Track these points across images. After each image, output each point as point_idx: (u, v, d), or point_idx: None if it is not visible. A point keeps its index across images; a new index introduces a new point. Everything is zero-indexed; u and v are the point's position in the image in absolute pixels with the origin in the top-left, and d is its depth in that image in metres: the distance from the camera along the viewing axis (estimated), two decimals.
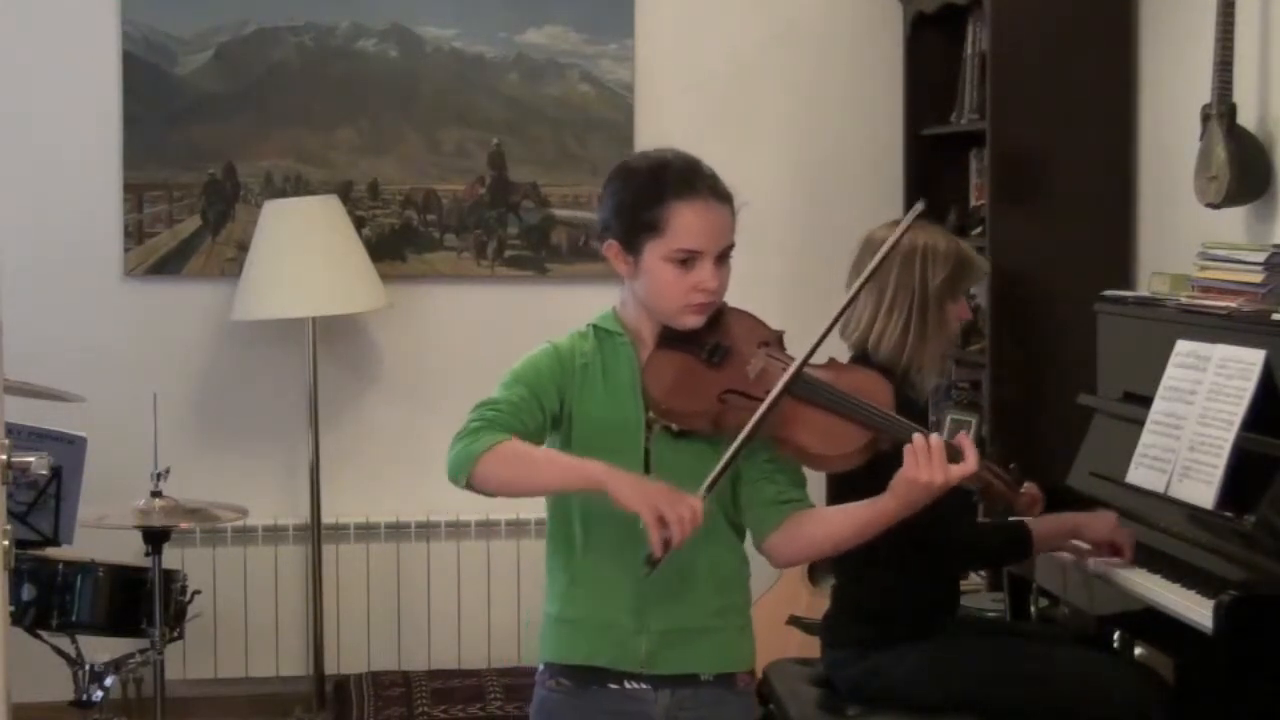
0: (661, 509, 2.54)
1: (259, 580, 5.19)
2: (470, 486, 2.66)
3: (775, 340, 2.79)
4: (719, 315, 2.78)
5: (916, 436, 2.66)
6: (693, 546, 2.66)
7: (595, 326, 2.83)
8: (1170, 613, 3.30)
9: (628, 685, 2.77)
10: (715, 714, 2.79)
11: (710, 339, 2.76)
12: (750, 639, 2.85)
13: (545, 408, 2.74)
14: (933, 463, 2.65)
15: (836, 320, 2.77)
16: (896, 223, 3.39)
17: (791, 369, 2.68)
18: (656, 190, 2.72)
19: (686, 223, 2.70)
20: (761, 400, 2.66)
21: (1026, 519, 3.50)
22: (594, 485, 2.59)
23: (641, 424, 2.74)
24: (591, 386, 2.76)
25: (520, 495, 2.71)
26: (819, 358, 2.76)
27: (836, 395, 2.71)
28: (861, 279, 2.87)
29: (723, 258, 2.74)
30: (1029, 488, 2.72)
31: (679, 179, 2.73)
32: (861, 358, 3.49)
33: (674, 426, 2.72)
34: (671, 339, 2.77)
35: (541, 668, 2.85)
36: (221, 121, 5.24)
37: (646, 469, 2.72)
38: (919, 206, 2.85)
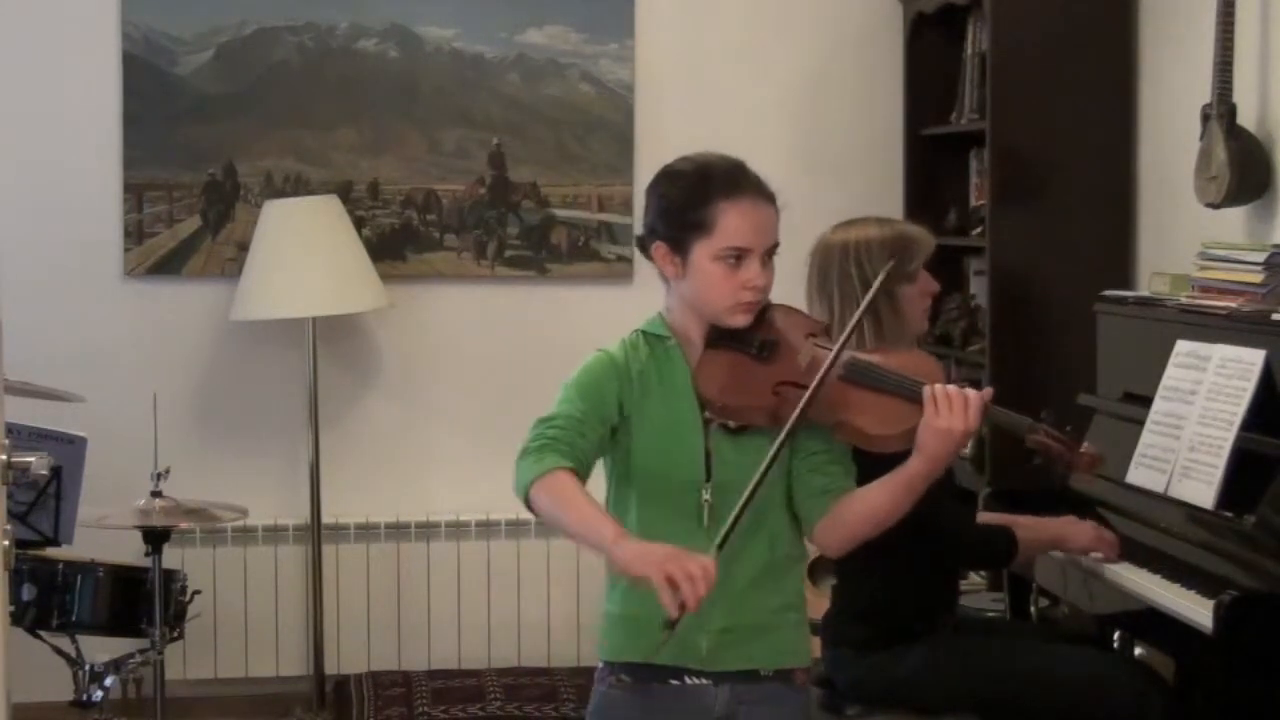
0: (670, 571, 2.52)
1: (259, 580, 5.19)
2: (529, 509, 2.72)
3: (821, 331, 2.85)
4: (764, 312, 2.82)
5: (932, 386, 2.71)
6: (760, 547, 2.77)
7: (644, 333, 2.85)
8: (1170, 613, 3.30)
9: (688, 681, 2.80)
10: (774, 710, 2.83)
11: (757, 336, 2.80)
12: (806, 634, 2.90)
13: (605, 420, 2.76)
14: (954, 408, 2.70)
15: (866, 306, 2.85)
16: (848, 224, 3.44)
17: (835, 348, 2.74)
18: (704, 191, 2.76)
19: (734, 222, 2.75)
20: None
21: (1014, 527, 3.50)
22: (600, 548, 2.62)
23: (699, 424, 2.77)
24: (649, 392, 2.78)
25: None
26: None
27: (886, 375, 2.78)
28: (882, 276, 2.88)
29: (768, 256, 2.79)
30: (1088, 448, 2.77)
31: (726, 179, 2.78)
32: None
33: (732, 424, 2.76)
34: (719, 339, 2.81)
35: (601, 665, 2.88)
36: (221, 121, 5.24)
37: (708, 468, 2.76)
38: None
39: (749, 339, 2.79)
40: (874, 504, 2.78)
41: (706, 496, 2.76)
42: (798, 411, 2.69)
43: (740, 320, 2.78)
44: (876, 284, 2.90)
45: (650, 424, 2.77)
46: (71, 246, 5.17)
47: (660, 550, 2.56)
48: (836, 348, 2.75)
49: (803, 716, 2.91)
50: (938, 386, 2.72)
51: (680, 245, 2.78)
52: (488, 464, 5.15)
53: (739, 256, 2.75)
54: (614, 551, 2.59)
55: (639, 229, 2.91)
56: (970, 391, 2.74)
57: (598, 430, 2.74)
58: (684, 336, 2.83)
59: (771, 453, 2.69)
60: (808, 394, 2.70)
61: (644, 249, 2.87)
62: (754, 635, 2.81)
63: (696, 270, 2.77)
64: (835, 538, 2.83)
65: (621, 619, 2.83)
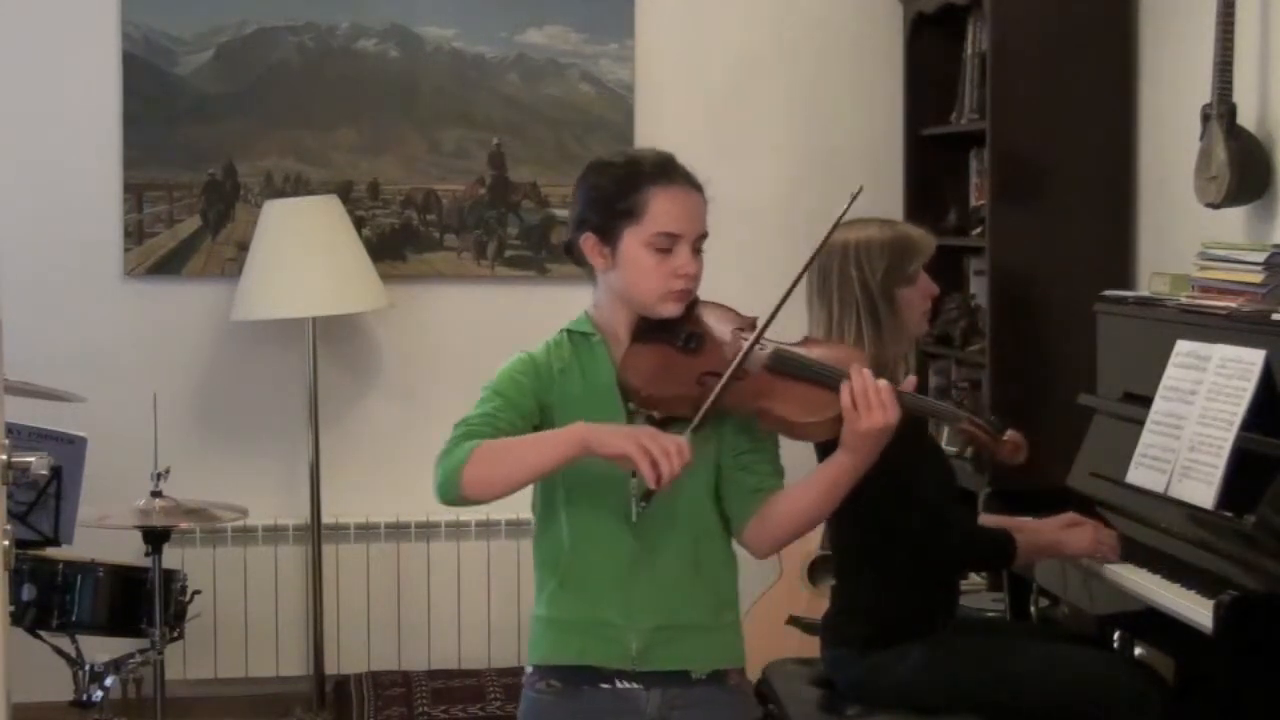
0: (647, 445, 2.57)
1: (259, 580, 5.19)
2: (464, 499, 2.66)
3: (749, 326, 2.83)
4: (691, 306, 2.81)
5: (844, 386, 2.70)
6: (685, 542, 2.75)
7: (569, 331, 2.85)
8: (1170, 613, 3.30)
9: (619, 685, 2.78)
10: (707, 713, 2.80)
11: (684, 328, 2.80)
12: (740, 636, 2.87)
13: (523, 415, 2.75)
14: (872, 406, 2.68)
15: (792, 288, 2.80)
16: (849, 224, 3.35)
17: (757, 331, 2.75)
18: (634, 178, 2.77)
19: (664, 206, 2.75)
20: (740, 379, 2.71)
21: (1013, 531, 3.50)
22: (578, 447, 2.62)
23: (624, 419, 2.75)
24: (571, 390, 2.78)
25: (513, 487, 2.68)
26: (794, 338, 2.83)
27: (809, 363, 2.77)
28: (808, 260, 2.90)
29: (698, 245, 2.78)
30: (1012, 435, 2.75)
31: (654, 167, 2.78)
32: None
33: (656, 415, 2.74)
34: (646, 332, 2.81)
35: (530, 670, 2.85)
36: (221, 121, 5.24)
37: None
38: (857, 190, 2.87)
39: (676, 331, 2.79)
40: (802, 503, 2.76)
41: (633, 491, 2.73)
42: (717, 389, 2.68)
43: (671, 310, 2.77)
44: (806, 265, 2.88)
45: (573, 420, 2.73)
46: (71, 246, 5.17)
47: (635, 427, 2.63)
48: (758, 330, 2.75)
49: (741, 718, 2.88)
50: (855, 385, 2.69)
51: (610, 234, 2.77)
52: None
53: (670, 243, 2.74)
54: (588, 436, 2.61)
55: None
56: (883, 383, 2.70)
57: (516, 425, 2.72)
58: (610, 333, 2.82)
59: (694, 423, 2.67)
60: (728, 373, 2.69)
61: (570, 247, 2.85)
62: (685, 635, 2.78)
63: (627, 259, 2.76)
64: (763, 539, 2.80)
65: (550, 622, 2.81)
